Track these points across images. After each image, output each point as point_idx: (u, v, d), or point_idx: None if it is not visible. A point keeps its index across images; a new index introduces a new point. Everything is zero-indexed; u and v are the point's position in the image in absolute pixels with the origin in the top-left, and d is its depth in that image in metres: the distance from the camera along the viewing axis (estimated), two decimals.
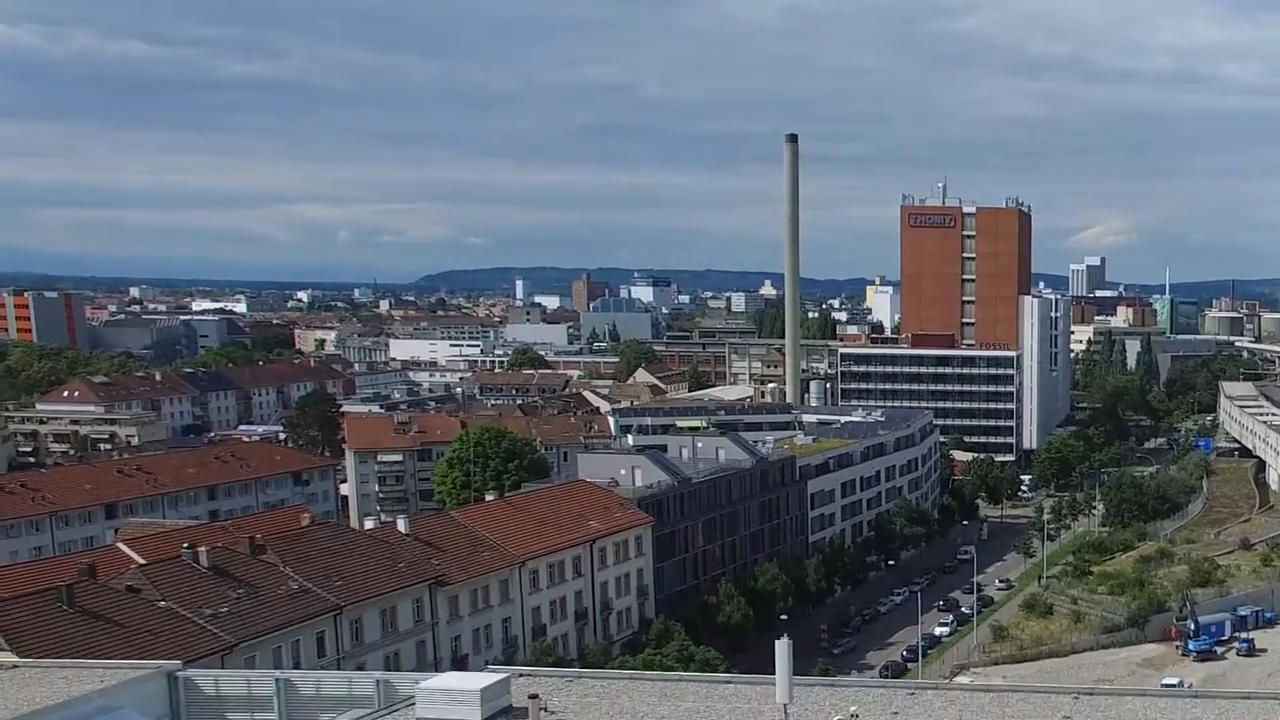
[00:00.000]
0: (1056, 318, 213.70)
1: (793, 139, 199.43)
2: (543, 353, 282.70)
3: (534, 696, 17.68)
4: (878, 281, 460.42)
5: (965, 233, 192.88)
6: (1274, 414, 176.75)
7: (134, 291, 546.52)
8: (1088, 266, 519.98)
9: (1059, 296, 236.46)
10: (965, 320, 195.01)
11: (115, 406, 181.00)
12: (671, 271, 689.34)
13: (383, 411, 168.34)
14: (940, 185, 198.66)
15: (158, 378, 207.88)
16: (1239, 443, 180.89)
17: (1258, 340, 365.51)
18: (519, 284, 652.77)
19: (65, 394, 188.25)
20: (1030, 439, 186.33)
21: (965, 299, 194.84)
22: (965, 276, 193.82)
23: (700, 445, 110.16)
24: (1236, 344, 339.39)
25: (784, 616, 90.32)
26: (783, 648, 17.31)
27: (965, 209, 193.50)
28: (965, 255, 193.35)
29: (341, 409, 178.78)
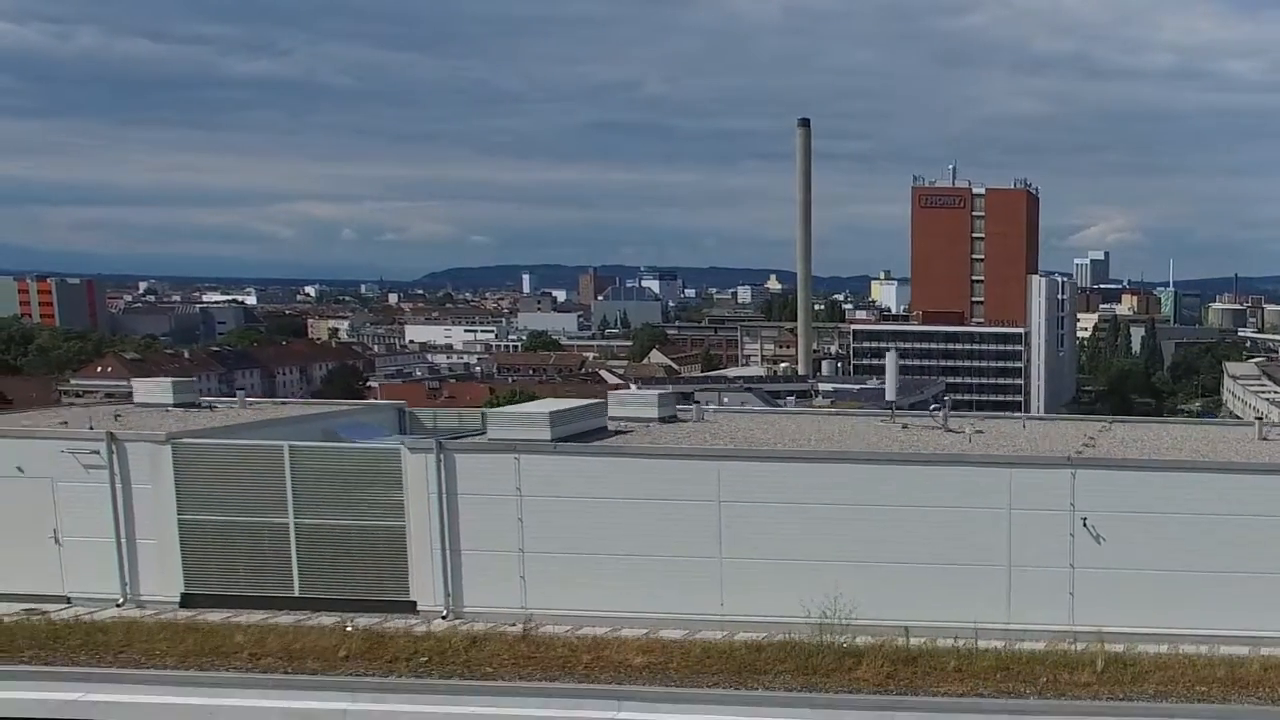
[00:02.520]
0: (1064, 300, 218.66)
1: (805, 123, 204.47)
2: (556, 339, 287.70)
3: (698, 401, 22.93)
4: (883, 276, 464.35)
5: (975, 213, 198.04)
6: (1276, 392, 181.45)
7: (142, 286, 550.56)
8: (1091, 261, 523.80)
9: (1066, 279, 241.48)
10: (975, 299, 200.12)
11: None
12: (675, 269, 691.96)
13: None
14: (950, 168, 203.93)
15: (186, 355, 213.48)
16: (1242, 420, 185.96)
17: (1261, 331, 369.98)
18: (525, 278, 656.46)
19: (99, 369, 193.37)
20: None
21: (975, 278, 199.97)
22: (975, 256, 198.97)
23: (726, 400, 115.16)
24: (1240, 333, 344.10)
25: None
26: (891, 357, 22.53)
27: (975, 190, 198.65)
28: (974, 235, 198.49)
29: (368, 382, 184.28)
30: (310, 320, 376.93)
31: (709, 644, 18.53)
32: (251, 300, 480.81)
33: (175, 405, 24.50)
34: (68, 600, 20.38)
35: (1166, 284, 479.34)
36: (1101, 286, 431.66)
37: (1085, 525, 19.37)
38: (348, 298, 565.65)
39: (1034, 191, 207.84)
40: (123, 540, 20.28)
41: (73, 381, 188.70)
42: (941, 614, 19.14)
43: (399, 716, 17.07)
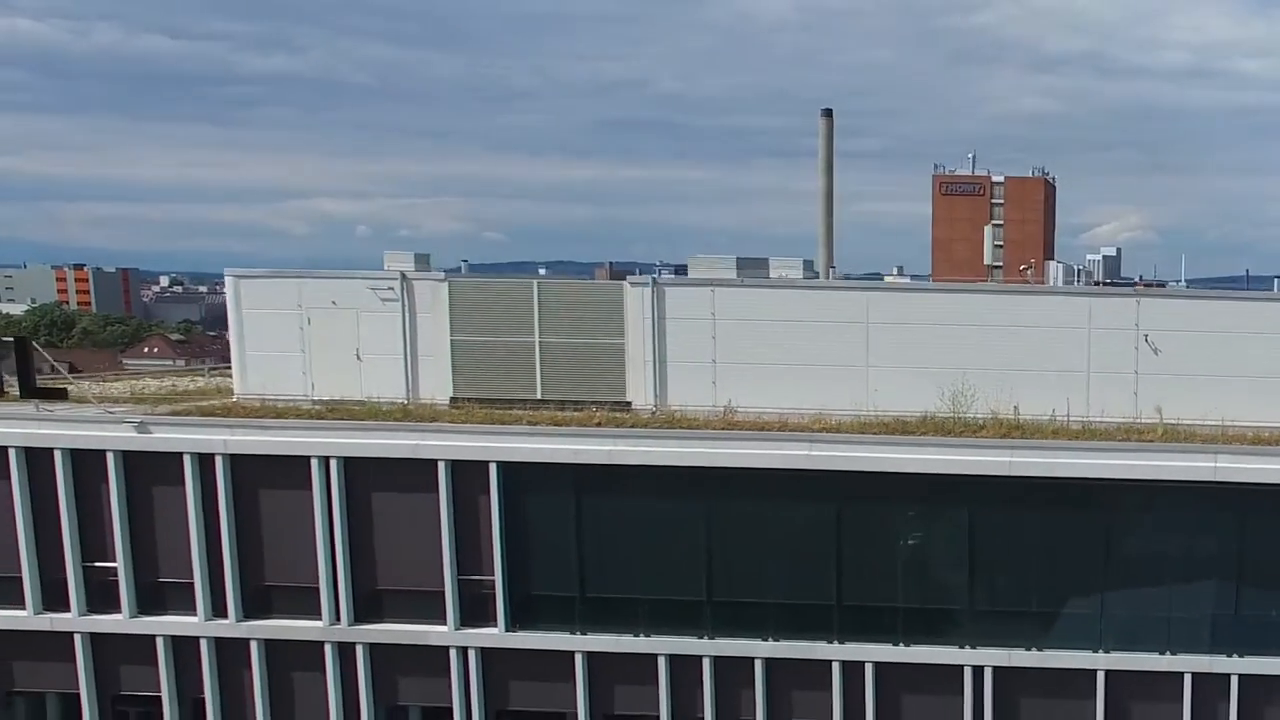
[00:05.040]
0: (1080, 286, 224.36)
1: (828, 113, 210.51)
2: None
3: (830, 268, 29.11)
4: (896, 272, 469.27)
5: (994, 201, 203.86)
6: None
7: (164, 280, 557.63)
8: (1104, 257, 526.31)
9: (1081, 266, 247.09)
10: None
11: (192, 361, 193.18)
12: (688, 265, 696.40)
13: None
14: (970, 156, 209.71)
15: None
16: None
17: None
18: (541, 273, 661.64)
19: (145, 350, 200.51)
20: None
21: (993, 264, 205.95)
22: (994, 242, 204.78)
23: None
24: None
25: None
26: (989, 229, 28.51)
27: (994, 178, 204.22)
28: (994, 222, 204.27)
29: None
30: None
31: (866, 421, 24.80)
32: None
33: None
34: (364, 404, 26.67)
35: (1179, 280, 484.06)
36: (1115, 281, 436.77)
37: (1146, 340, 25.55)
38: None
39: (1051, 181, 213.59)
40: (408, 356, 26.61)
41: (124, 362, 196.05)
42: (1039, 408, 25.33)
43: (651, 454, 23.38)
